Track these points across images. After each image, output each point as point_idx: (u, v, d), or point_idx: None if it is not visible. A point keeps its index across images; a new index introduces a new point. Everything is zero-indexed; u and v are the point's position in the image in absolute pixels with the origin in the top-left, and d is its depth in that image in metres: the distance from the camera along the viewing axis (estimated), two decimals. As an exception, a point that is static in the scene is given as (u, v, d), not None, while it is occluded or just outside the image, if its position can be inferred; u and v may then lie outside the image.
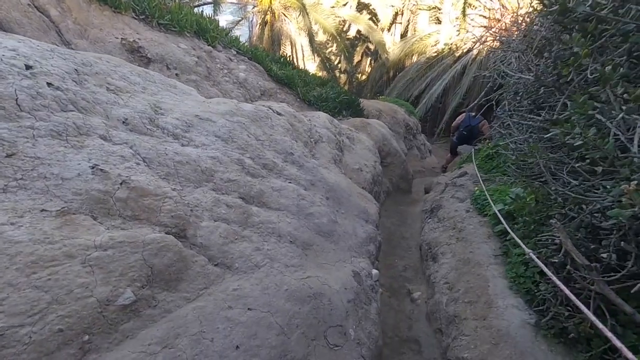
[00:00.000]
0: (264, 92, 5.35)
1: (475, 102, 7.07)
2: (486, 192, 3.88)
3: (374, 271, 2.81)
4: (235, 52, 5.34)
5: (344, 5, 16.58)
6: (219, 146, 2.46)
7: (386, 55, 15.86)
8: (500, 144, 5.73)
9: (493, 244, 3.41)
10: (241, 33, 16.50)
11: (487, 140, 8.28)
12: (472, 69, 13.94)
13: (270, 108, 3.76)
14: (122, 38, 3.83)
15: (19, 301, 1.14)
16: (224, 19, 15.12)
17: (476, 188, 4.52)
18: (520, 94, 4.48)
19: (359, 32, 18.17)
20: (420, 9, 15.97)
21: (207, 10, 14.50)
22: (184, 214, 1.76)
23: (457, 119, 7.58)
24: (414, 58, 16.14)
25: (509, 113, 4.47)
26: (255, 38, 14.99)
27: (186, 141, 2.25)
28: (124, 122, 1.94)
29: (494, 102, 6.80)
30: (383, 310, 3.56)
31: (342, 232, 2.93)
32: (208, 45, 4.84)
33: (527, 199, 3.09)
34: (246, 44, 8.00)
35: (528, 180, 3.98)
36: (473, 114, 7.63)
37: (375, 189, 5.38)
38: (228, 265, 1.82)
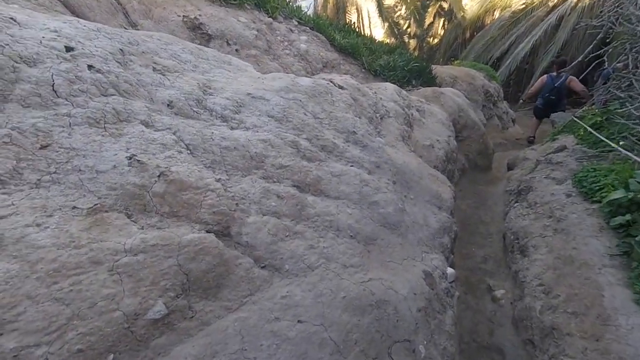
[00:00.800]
0: (326, 63, 4.95)
1: (580, 58, 5.81)
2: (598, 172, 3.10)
3: (450, 270, 2.38)
4: (296, 23, 4.97)
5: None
6: (272, 127, 2.18)
7: (462, 14, 14.09)
8: (616, 109, 4.64)
9: (607, 239, 2.70)
10: (306, 3, 15.98)
11: (589, 104, 6.81)
12: (570, 20, 11.72)
13: (331, 81, 3.38)
14: (183, 15, 3.71)
15: (37, 317, 1.01)
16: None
17: (584, 166, 3.67)
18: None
19: (431, -10, 16.39)
20: (505, -45, 13.70)
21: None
22: (227, 208, 1.53)
23: (538, 82, 6.60)
24: (496, 14, 14.11)
25: (633, 70, 3.46)
26: (319, 7, 14.38)
27: (236, 123, 2.01)
28: (168, 105, 1.75)
29: (605, 57, 5.49)
30: (458, 308, 3.13)
31: (411, 222, 2.52)
32: (268, 17, 4.55)
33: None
34: (308, 12, 7.58)
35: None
36: (554, 73, 6.41)
37: (448, 168, 4.75)
38: (277, 267, 1.57)
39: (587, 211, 3.07)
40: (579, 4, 11.82)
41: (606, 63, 5.27)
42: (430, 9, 17.03)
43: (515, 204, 4.00)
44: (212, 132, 1.78)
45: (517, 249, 3.39)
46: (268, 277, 1.51)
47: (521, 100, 7.39)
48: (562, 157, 4.23)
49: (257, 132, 2.06)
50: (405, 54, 6.84)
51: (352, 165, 2.49)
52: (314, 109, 2.63)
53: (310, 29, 5.20)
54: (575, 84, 6.22)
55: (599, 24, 5.49)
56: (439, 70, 8.55)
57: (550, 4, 12.53)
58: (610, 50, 5.48)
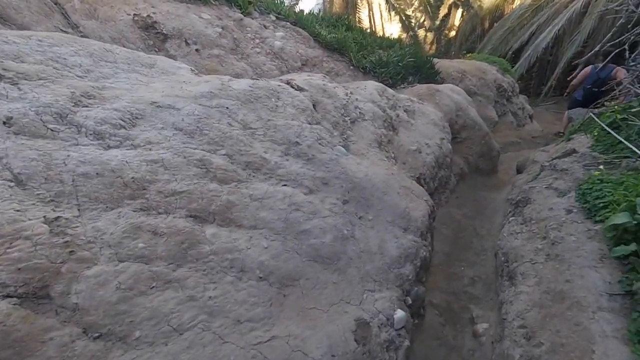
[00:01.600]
0: (306, 61, 4.53)
1: (597, 49, 5.10)
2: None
3: (399, 314, 1.93)
4: (274, 18, 4.58)
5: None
6: (176, 143, 1.81)
7: (479, 3, 13.19)
8: (634, 108, 3.97)
9: (607, 272, 2.15)
10: (317, 1, 15.49)
11: (619, 99, 6.00)
12: (598, 5, 10.65)
13: (288, 82, 2.97)
14: (134, 14, 3.40)
15: None
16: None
17: (593, 175, 3.08)
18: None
19: (446, -21, 15.49)
20: (526, -63, 12.65)
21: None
22: (49, 261, 1.17)
23: (581, 73, 6.08)
24: (516, 2, 13.11)
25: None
26: (327, 4, 13.88)
27: (117, 141, 1.64)
28: (5, 123, 1.41)
29: (626, 46, 4.73)
30: (430, 344, 2.66)
31: (358, 252, 2.08)
32: (240, 13, 4.17)
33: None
34: (317, 11, 7.14)
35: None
36: (600, 65, 5.80)
37: (440, 174, 4.23)
38: (121, 335, 1.19)
39: (588, 233, 2.51)
40: (608, -13, 10.70)
41: (627, 53, 4.53)
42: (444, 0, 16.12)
43: (511, 218, 3.45)
44: (68, 155, 1.43)
45: (506, 274, 2.86)
46: (101, 351, 1.14)
47: (565, 94, 6.75)
48: (568, 162, 3.62)
49: (150, 150, 1.69)
50: (404, 48, 6.28)
51: (285, 185, 2.08)
52: (247, 117, 2.23)
53: (291, 24, 4.79)
54: (621, 73, 5.59)
55: (619, 7, 4.75)
56: (444, 65, 7.90)
57: (576, -11, 11.44)
58: (632, 38, 4.72)
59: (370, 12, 15.13)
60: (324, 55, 4.89)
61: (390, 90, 4.26)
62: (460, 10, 16.85)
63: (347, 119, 3.22)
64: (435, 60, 8.24)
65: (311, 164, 2.33)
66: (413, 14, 18.14)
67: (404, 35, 14.47)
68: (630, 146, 3.39)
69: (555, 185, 3.33)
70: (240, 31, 4.04)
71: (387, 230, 2.42)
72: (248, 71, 3.82)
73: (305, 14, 5.21)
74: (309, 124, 2.64)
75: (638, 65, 4.13)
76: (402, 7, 13.23)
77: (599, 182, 2.83)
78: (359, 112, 3.43)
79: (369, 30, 10.95)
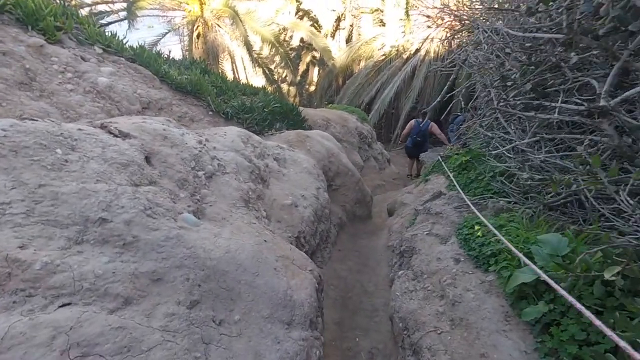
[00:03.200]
0: (148, 104, 3.56)
1: (437, 101, 5.79)
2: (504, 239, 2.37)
3: None
4: (100, 51, 3.52)
5: (282, 14, 15.13)
6: None
7: (332, 62, 14.55)
8: (483, 149, 4.36)
9: (518, 336, 1.86)
10: (175, 47, 14.53)
11: (453, 145, 7.08)
12: (422, 70, 12.96)
13: (102, 126, 2.02)
14: None
15: None
16: (147, 34, 13.06)
17: (465, 219, 3.00)
18: (512, 78, 3.08)
19: (302, 40, 16.80)
20: (362, 12, 14.89)
21: (120, 28, 12.45)
22: None
23: (408, 125, 7.62)
24: (362, 63, 14.98)
25: (497, 107, 3.08)
26: (185, 53, 13.08)
27: None
28: None
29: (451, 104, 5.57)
30: None
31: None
32: (39, 38, 3.00)
33: (593, 259, 1.57)
34: (125, 40, 6.19)
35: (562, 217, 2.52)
36: (420, 119, 7.51)
37: (320, 228, 3.73)
38: None
39: (484, 286, 2.28)
40: (426, 57, 13.23)
41: (452, 107, 5.39)
42: (303, 57, 17.41)
43: (400, 272, 3.12)
44: None
45: (409, 346, 2.39)
46: None
47: (399, 141, 8.69)
48: (440, 205, 3.61)
49: None
50: (269, 95, 5.94)
51: (65, 304, 1.10)
52: (-12, 183, 1.20)
53: (127, 60, 3.81)
54: (435, 128, 7.37)
55: (446, 69, 5.59)
56: (310, 113, 7.97)
57: (404, 56, 13.79)
58: (461, 91, 5.52)
59: (234, 65, 14.98)
60: (173, 98, 4.02)
61: (256, 137, 3.66)
62: (317, 68, 18.45)
63: (200, 173, 2.41)
64: (301, 108, 8.31)
65: (131, 251, 1.41)
66: (275, 70, 18.99)
67: (270, 88, 14.71)
68: (467, 201, 3.56)
69: (435, 231, 3.18)
70: (39, 61, 2.86)
71: (263, 332, 1.63)
72: (52, 114, 2.65)
73: (148, 50, 4.30)
74: (134, 185, 1.72)
75: (480, 112, 4.65)
76: (264, 61, 13.48)
77: (477, 225, 2.72)
78: (218, 164, 2.66)
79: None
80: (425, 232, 3.26)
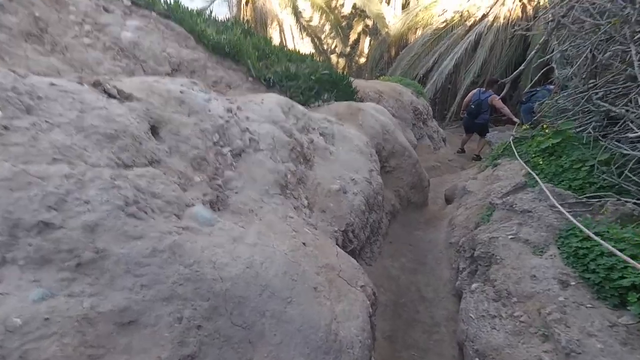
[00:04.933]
0: (178, 65, 3.05)
1: (512, 76, 4.75)
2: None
3: None
4: (128, 3, 3.03)
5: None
6: None
7: (386, 30, 13.23)
8: (571, 129, 3.38)
9: None
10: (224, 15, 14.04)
11: (521, 124, 5.95)
12: (488, 39, 11.32)
13: (95, 84, 1.48)
14: None
15: None
16: (197, 2, 12.64)
17: (571, 226, 2.16)
18: None
19: (355, 7, 15.49)
20: (423, -27, 13.21)
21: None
22: None
23: (469, 94, 6.93)
24: (419, 32, 13.48)
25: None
26: (236, 19, 12.52)
27: None
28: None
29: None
30: None
31: None
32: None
33: None
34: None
35: None
36: (483, 89, 6.72)
37: (372, 219, 3.07)
38: None
39: (617, 334, 1.51)
40: (495, 24, 11.49)
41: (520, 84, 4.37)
42: (355, 26, 16.15)
43: (473, 286, 2.40)
44: None
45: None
46: None
47: (461, 114, 7.71)
48: (527, 201, 2.75)
49: None
50: (317, 62, 5.21)
51: None
52: None
53: (160, 15, 3.30)
54: (497, 102, 6.49)
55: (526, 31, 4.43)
56: (361, 84, 7.11)
57: (468, 23, 12.11)
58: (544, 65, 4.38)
59: (282, 33, 14.23)
60: (209, 60, 3.46)
61: (300, 107, 3.02)
62: (368, 38, 17.09)
63: (226, 150, 1.83)
64: (352, 78, 7.47)
65: (89, 276, 0.87)
66: (325, 40, 17.93)
67: (317, 58, 13.85)
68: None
69: (524, 235, 2.39)
70: (52, 9, 2.40)
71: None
72: (64, 72, 2.20)
73: (183, 5, 3.76)
74: (121, 167, 1.17)
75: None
76: (313, 29, 12.56)
77: (602, 236, 1.90)
78: (250, 139, 2.07)
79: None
80: (510, 236, 2.46)
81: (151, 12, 3.28)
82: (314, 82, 4.34)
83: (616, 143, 2.62)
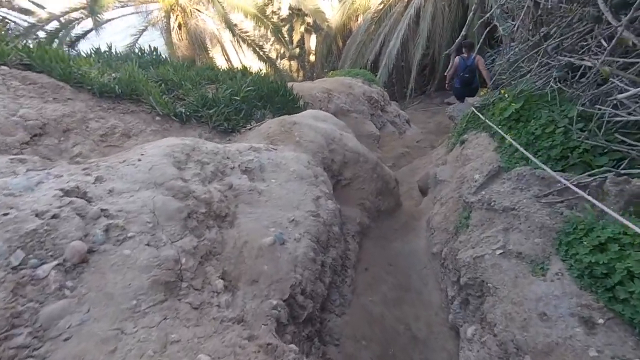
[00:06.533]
0: (43, 127, 2.31)
1: (462, 35, 4.15)
2: None
3: None
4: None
5: (262, -19, 13.13)
6: None
7: (327, 24, 12.63)
8: (542, 88, 2.83)
9: None
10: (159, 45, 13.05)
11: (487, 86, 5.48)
12: (427, 10, 10.85)
13: None
14: None
15: None
16: (123, 35, 11.65)
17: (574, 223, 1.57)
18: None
19: (291, 8, 14.82)
20: (349, -41, 12.62)
21: (102, 36, 11.18)
22: None
23: (453, 65, 6.30)
24: (360, 18, 12.93)
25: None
26: (173, 47, 11.64)
27: None
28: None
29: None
30: None
31: None
32: None
33: None
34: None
35: None
36: (465, 55, 6.05)
37: (330, 260, 2.42)
38: None
39: None
40: (431, -8, 11.02)
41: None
42: (295, 27, 15.46)
43: (468, 329, 1.79)
44: None
45: None
46: None
47: (446, 86, 6.85)
48: (506, 194, 2.16)
49: None
50: (247, 77, 4.51)
51: None
52: None
53: (16, 67, 2.55)
54: (482, 62, 6.00)
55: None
56: (305, 87, 6.46)
57: (405, -1, 11.62)
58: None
59: (224, 52, 13.42)
60: (93, 110, 2.73)
61: (208, 146, 2.33)
62: (314, 36, 16.43)
63: (46, 268, 1.14)
64: (295, 84, 6.79)
65: None
66: (272, 46, 17.16)
67: (265, 68, 13.10)
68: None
69: (515, 247, 1.78)
70: None
71: None
72: None
73: (54, 49, 2.95)
74: None
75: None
76: (251, 38, 11.80)
77: (612, 239, 1.31)
78: (107, 228, 1.38)
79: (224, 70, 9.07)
80: (498, 250, 1.86)
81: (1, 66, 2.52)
82: (240, 103, 3.66)
83: (599, 107, 2.04)
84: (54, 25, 10.49)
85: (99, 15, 9.83)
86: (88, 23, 11.04)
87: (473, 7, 4.92)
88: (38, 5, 12.79)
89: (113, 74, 3.06)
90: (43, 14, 11.88)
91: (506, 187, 2.21)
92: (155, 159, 1.87)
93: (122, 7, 10.92)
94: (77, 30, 11.22)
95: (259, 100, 4.03)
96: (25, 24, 11.16)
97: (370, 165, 3.50)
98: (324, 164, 3.09)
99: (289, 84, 5.38)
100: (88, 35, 11.28)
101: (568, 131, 2.52)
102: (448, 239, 2.68)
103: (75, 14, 10.93)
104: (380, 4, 12.20)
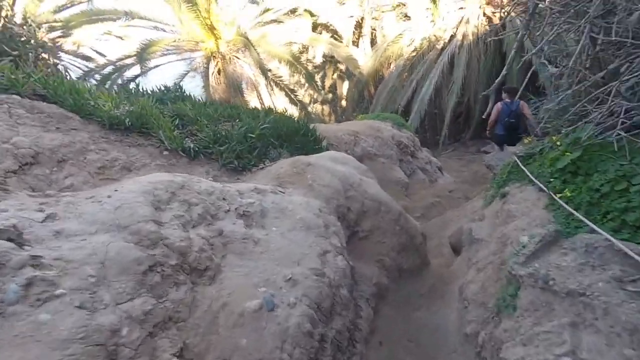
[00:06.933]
0: (35, 156, 2.16)
1: (500, 78, 3.80)
2: None
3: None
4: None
5: (297, 32, 13.84)
6: None
7: (359, 70, 12.84)
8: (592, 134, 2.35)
9: None
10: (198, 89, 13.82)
11: (531, 135, 4.99)
12: (461, 57, 10.74)
13: None
14: None
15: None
16: (171, 78, 12.50)
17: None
18: None
19: (324, 55, 15.41)
20: (383, 11, 13.11)
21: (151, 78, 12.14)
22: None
23: (494, 111, 5.89)
24: (392, 65, 13.08)
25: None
26: (210, 90, 12.27)
27: None
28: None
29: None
30: None
31: None
32: None
33: None
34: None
35: None
36: (508, 100, 5.70)
37: (332, 332, 1.94)
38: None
39: None
40: (464, 41, 10.99)
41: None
42: (327, 73, 15.96)
43: None
44: None
45: None
46: None
47: (487, 134, 6.48)
48: (572, 270, 1.62)
49: None
50: (267, 116, 4.38)
51: None
52: None
53: (30, 97, 2.52)
54: (527, 108, 5.62)
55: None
56: (331, 129, 6.28)
57: (439, 46, 11.66)
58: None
59: (258, 94, 13.96)
60: (97, 142, 2.59)
61: (202, 185, 2.05)
62: (347, 82, 16.87)
63: None
64: (321, 125, 6.66)
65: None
66: (306, 92, 17.76)
67: (298, 113, 13.39)
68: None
69: (592, 357, 1.26)
70: None
71: None
72: None
73: (70, 81, 2.97)
74: None
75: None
76: (284, 82, 12.19)
77: None
78: (28, 280, 1.06)
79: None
80: (565, 359, 1.32)
81: (12, 95, 2.48)
82: (255, 140, 3.45)
83: None
84: (109, 69, 11.49)
85: (146, 62, 10.69)
86: (138, 69, 12.04)
87: (511, 55, 4.62)
88: (99, 54, 14.23)
89: (127, 107, 2.98)
90: (101, 60, 13.19)
91: (570, 262, 1.69)
92: (130, 196, 1.59)
93: (168, 54, 11.79)
94: (128, 74, 12.21)
95: (276, 138, 3.82)
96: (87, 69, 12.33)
97: (393, 215, 3.06)
98: (338, 212, 2.70)
99: (313, 125, 5.21)
100: (138, 80, 12.23)
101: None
102: (486, 319, 2.12)
103: (128, 60, 11.93)
104: (413, 51, 12.32)
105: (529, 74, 4.37)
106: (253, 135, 3.43)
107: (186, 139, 3.16)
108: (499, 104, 5.71)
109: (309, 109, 15.31)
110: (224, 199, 2.10)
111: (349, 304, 2.14)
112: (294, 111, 13.23)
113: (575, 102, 3.21)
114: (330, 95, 18.05)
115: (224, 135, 3.24)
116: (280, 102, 13.97)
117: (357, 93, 13.97)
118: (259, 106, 14.26)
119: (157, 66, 12.16)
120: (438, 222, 5.30)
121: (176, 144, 2.94)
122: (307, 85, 15.59)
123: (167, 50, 11.63)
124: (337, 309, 2.03)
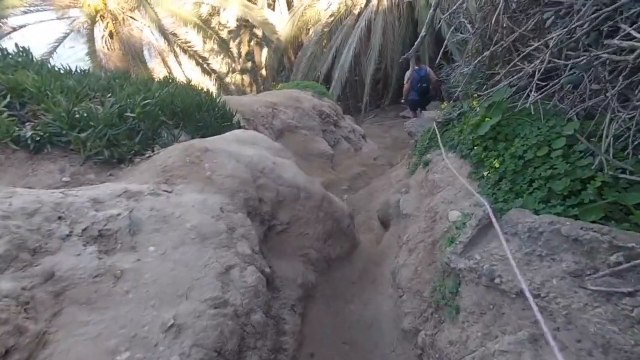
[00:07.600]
0: None
1: (411, 51, 3.48)
2: None
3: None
4: None
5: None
6: None
7: (276, 36, 11.81)
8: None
9: None
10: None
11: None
12: (378, 23, 10.46)
13: None
14: None
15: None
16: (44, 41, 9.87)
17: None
18: None
19: (239, 19, 13.84)
20: (298, -30, 12.03)
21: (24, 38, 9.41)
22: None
23: (406, 79, 6.19)
24: (311, 31, 12.30)
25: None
26: (98, 57, 10.05)
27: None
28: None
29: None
30: None
31: None
32: None
33: None
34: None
35: None
36: (417, 67, 5.91)
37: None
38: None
39: None
40: (380, 6, 10.68)
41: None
42: (243, 38, 14.48)
43: None
44: None
45: None
46: None
47: (402, 101, 7.22)
48: (519, 262, 1.36)
49: None
50: (162, 88, 3.45)
51: None
52: None
53: None
54: (433, 74, 6.16)
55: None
56: (245, 101, 5.49)
57: (356, 11, 11.17)
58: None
59: (165, 63, 12.04)
60: None
61: (23, 198, 1.27)
62: (265, 49, 15.56)
63: None
64: (233, 97, 5.80)
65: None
66: (223, 60, 15.98)
67: (213, 84, 11.89)
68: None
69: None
70: None
71: None
72: None
73: None
74: None
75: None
76: (193, 49, 10.61)
77: None
78: None
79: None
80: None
81: None
82: (137, 121, 2.60)
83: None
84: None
85: (3, 20, 8.17)
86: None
87: (428, 17, 4.33)
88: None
89: None
90: None
91: (514, 252, 1.41)
92: None
93: (36, 12, 9.22)
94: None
95: (171, 117, 3.00)
96: None
97: (314, 201, 2.59)
98: (247, 207, 2.13)
99: (222, 98, 4.39)
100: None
101: (568, 154, 1.83)
102: (424, 313, 1.85)
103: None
104: (331, 16, 11.66)
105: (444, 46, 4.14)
106: (133, 115, 2.57)
107: (25, 124, 2.19)
108: (408, 72, 5.96)
109: (228, 79, 13.87)
110: (59, 218, 1.36)
111: (265, 329, 1.64)
112: (208, 82, 11.76)
113: (491, 65, 3.03)
114: (249, 64, 16.61)
115: (86, 116, 2.33)
116: (193, 73, 12.28)
117: (277, 61, 12.99)
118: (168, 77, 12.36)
119: (22, 26, 9.46)
120: (364, 193, 5.06)
121: (1, 132, 1.99)
122: (223, 54, 13.97)
123: (34, 4, 9.05)
124: (250, 342, 1.52)
